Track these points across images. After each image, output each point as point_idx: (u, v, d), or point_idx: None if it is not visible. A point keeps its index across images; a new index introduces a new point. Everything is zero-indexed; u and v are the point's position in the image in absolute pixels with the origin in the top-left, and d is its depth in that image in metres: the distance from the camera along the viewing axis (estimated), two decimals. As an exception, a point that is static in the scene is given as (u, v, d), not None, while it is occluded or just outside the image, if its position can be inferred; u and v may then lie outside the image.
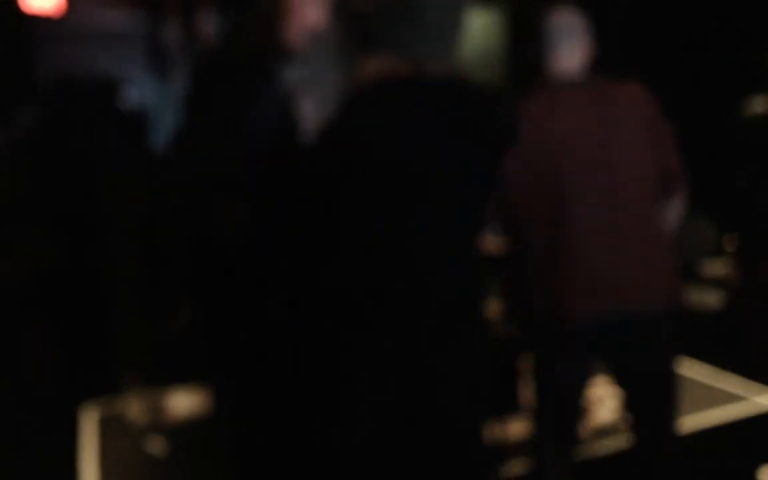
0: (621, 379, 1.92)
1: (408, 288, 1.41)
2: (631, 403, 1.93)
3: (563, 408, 1.94)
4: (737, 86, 3.25)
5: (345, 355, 1.41)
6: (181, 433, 2.48)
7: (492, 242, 1.93)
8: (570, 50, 1.86)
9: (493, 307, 3.10)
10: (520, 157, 1.75)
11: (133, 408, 2.66)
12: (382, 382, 1.42)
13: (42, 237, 3.70)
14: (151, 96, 3.90)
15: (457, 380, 1.46)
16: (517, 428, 2.37)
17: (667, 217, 1.88)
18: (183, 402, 2.64)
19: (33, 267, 3.65)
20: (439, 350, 1.44)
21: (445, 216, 1.44)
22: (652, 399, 1.91)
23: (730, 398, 2.62)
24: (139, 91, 3.88)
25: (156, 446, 2.39)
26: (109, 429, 2.52)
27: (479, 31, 5.01)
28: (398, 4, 1.40)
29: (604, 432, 2.48)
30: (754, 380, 2.75)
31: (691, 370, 2.98)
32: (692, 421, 2.54)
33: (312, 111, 1.49)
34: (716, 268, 3.64)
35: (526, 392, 2.67)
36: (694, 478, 2.16)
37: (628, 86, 1.87)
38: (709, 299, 3.51)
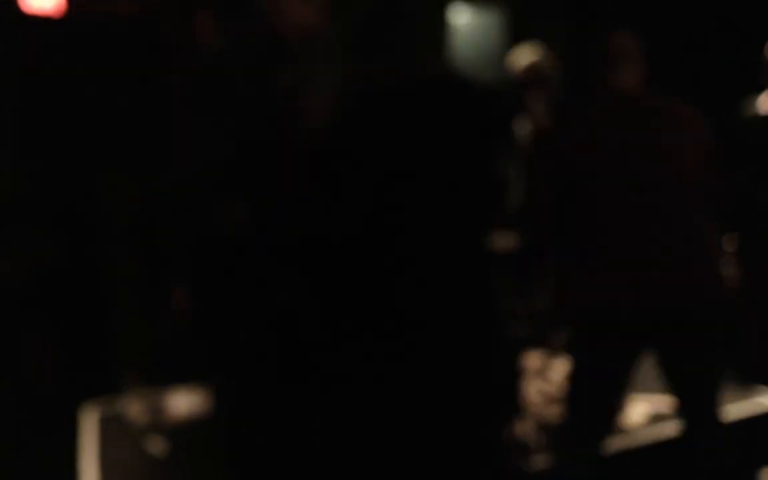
0: (668, 371, 2.03)
1: (409, 287, 1.41)
2: (677, 394, 2.06)
3: (604, 403, 2.04)
4: (737, 86, 3.25)
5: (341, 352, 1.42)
6: (181, 433, 2.47)
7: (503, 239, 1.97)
8: (629, 71, 2.03)
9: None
10: (567, 158, 1.94)
11: (133, 408, 2.66)
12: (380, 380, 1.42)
13: (42, 237, 3.70)
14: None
15: (467, 374, 1.46)
16: (517, 428, 2.37)
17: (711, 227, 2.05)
18: (183, 402, 2.64)
19: (33, 267, 3.65)
20: (439, 349, 1.44)
21: (443, 210, 1.44)
22: (696, 390, 2.05)
23: (730, 398, 2.61)
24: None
25: (156, 446, 2.39)
26: (109, 429, 2.52)
27: (479, 31, 5.00)
28: (389, 11, 1.43)
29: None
30: (754, 380, 2.75)
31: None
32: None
33: (312, 109, 1.49)
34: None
35: (529, 391, 2.67)
36: (694, 477, 2.16)
37: (685, 106, 2.04)
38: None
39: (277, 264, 1.52)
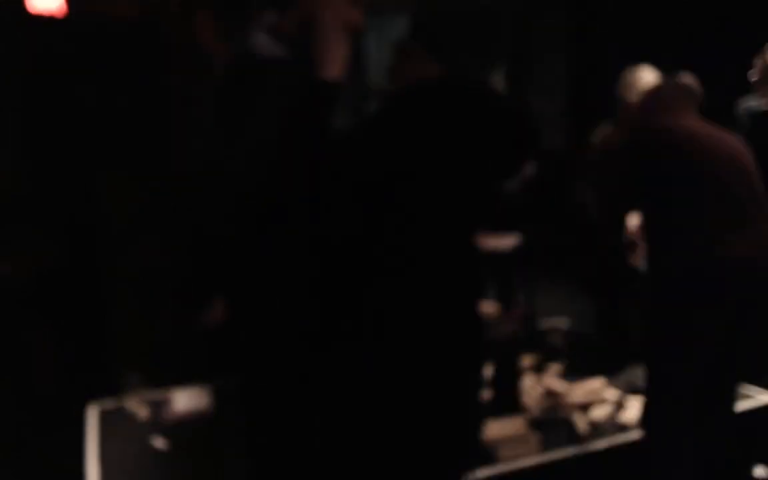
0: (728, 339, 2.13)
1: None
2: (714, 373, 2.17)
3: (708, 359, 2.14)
4: (737, 85, 3.27)
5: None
6: (182, 431, 2.49)
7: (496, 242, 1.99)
8: (693, 111, 2.28)
9: (493, 308, 3.11)
10: (675, 156, 2.16)
11: (135, 407, 2.67)
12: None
13: (42, 237, 3.70)
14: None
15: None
16: (516, 427, 2.38)
17: None
18: (184, 400, 2.65)
19: (33, 267, 3.65)
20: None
21: (448, 211, 1.46)
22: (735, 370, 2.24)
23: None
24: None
25: (157, 445, 2.40)
26: (111, 428, 2.53)
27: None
28: (451, 18, 1.47)
29: (601, 429, 2.49)
30: (753, 382, 2.76)
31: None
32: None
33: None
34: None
35: (525, 390, 2.68)
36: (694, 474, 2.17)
37: (735, 137, 2.29)
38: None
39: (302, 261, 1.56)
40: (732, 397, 2.25)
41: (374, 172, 1.39)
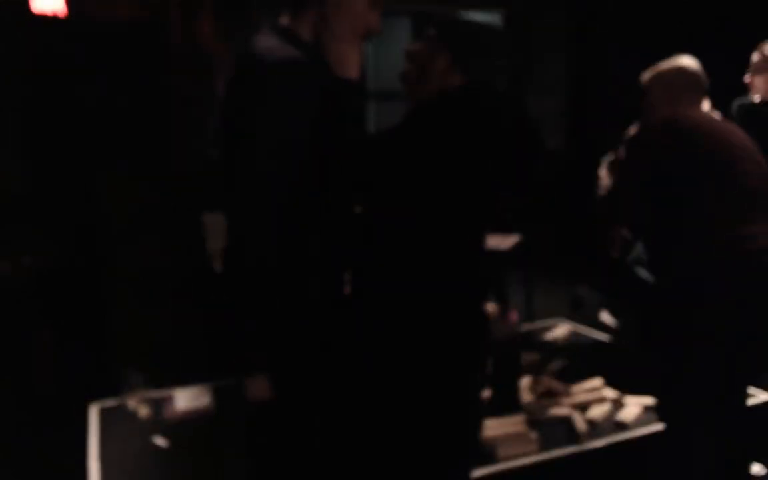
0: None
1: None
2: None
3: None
4: (737, 86, 3.27)
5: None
6: (184, 430, 2.49)
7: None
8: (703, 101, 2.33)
9: (493, 308, 3.12)
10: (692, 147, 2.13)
11: (136, 405, 2.67)
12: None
13: (42, 237, 3.71)
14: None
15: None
16: (515, 425, 2.39)
17: None
18: (185, 399, 2.65)
19: (33, 267, 3.66)
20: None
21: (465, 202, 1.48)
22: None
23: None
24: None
25: (158, 443, 2.41)
26: (111, 428, 2.53)
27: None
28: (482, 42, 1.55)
29: (600, 428, 2.49)
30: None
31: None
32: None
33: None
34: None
35: (524, 387, 2.68)
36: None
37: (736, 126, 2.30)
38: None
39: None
40: (746, 393, 2.23)
41: (395, 177, 1.41)
